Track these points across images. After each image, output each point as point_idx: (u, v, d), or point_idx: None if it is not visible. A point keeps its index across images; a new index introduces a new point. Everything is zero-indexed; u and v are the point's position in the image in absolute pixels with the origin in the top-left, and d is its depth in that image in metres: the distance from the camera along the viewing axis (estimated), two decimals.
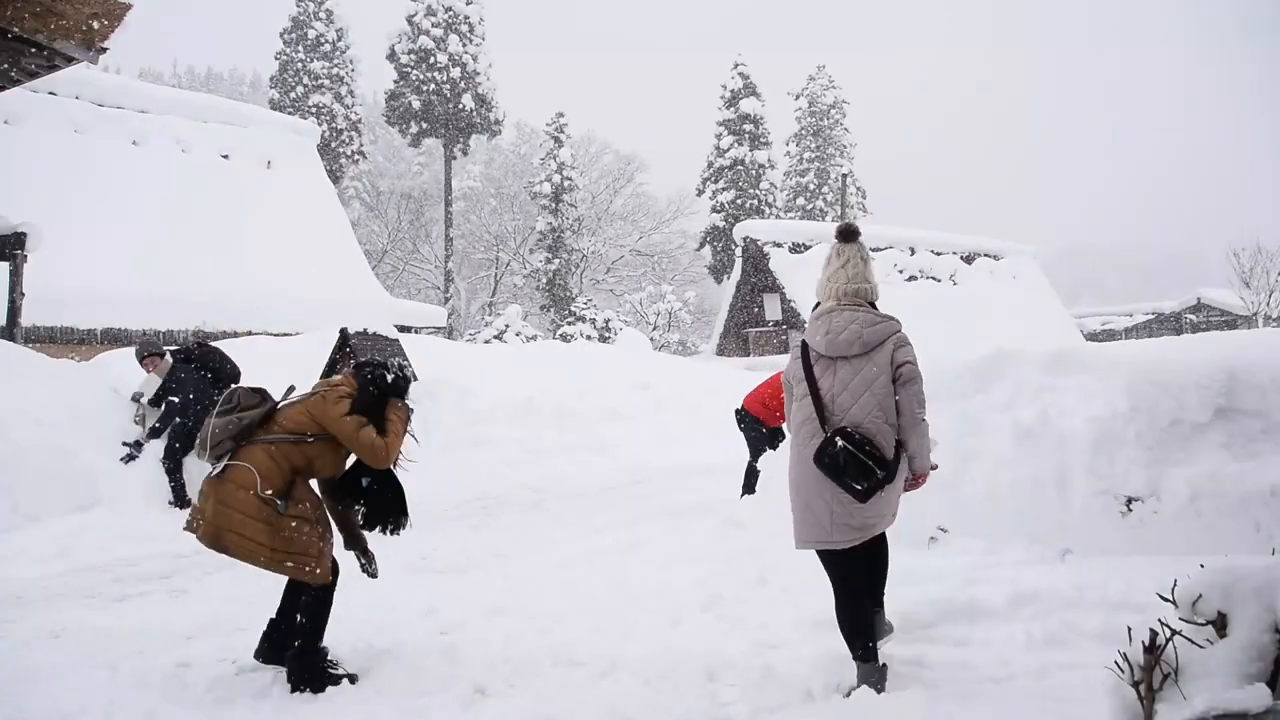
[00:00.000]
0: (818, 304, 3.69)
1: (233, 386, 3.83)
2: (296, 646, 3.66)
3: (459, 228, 38.80)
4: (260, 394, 3.77)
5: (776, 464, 6.82)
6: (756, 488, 7.45)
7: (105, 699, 3.50)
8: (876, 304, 3.61)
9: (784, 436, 7.67)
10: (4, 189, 14.71)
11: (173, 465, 7.38)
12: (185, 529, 3.67)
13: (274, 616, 3.80)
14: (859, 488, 3.31)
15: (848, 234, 3.67)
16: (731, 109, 36.98)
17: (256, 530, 3.49)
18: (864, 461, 3.30)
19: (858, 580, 3.51)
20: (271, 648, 3.75)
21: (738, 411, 7.81)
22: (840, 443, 3.31)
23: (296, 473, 3.66)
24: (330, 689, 3.60)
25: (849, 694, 3.36)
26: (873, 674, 3.39)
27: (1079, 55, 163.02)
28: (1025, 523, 5.26)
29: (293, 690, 3.60)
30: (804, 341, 3.61)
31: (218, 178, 21.13)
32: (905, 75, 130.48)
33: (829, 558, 3.51)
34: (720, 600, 4.69)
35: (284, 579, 3.71)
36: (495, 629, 4.32)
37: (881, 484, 3.33)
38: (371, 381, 3.83)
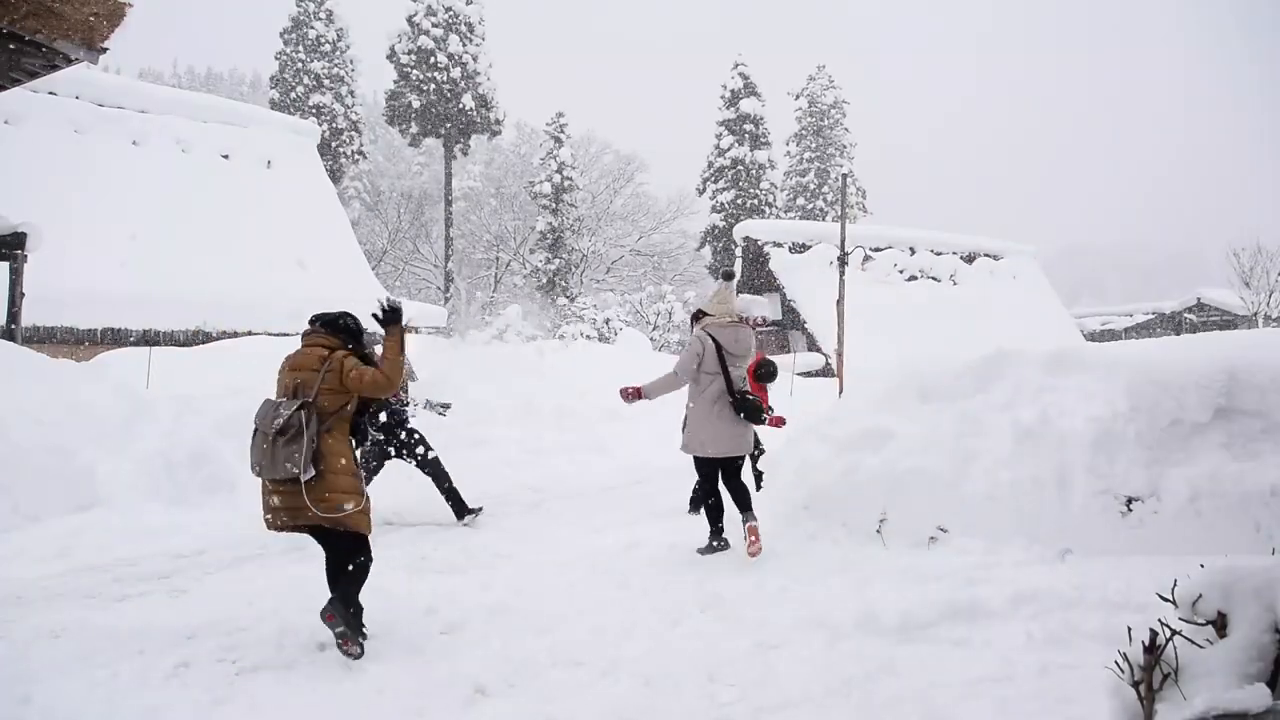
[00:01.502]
0: (700, 312, 6.24)
1: (272, 403, 4.02)
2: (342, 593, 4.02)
3: (459, 227, 38.80)
4: (303, 406, 3.93)
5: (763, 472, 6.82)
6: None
7: (105, 699, 3.51)
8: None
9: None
10: (4, 189, 14.72)
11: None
12: (271, 529, 4.07)
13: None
14: (761, 419, 5.89)
15: (729, 275, 6.53)
16: (731, 109, 36.98)
17: (356, 497, 4.02)
18: (756, 407, 5.78)
19: (714, 481, 5.89)
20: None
21: None
22: (748, 400, 5.77)
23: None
24: (329, 688, 3.61)
25: (701, 550, 5.75)
26: (719, 543, 5.76)
27: (1079, 55, 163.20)
28: (1025, 523, 5.25)
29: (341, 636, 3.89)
30: (717, 342, 5.74)
31: (218, 178, 21.14)
32: (906, 75, 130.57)
33: (704, 464, 5.87)
34: (720, 600, 4.69)
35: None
36: (495, 629, 4.32)
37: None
38: (350, 333, 4.22)
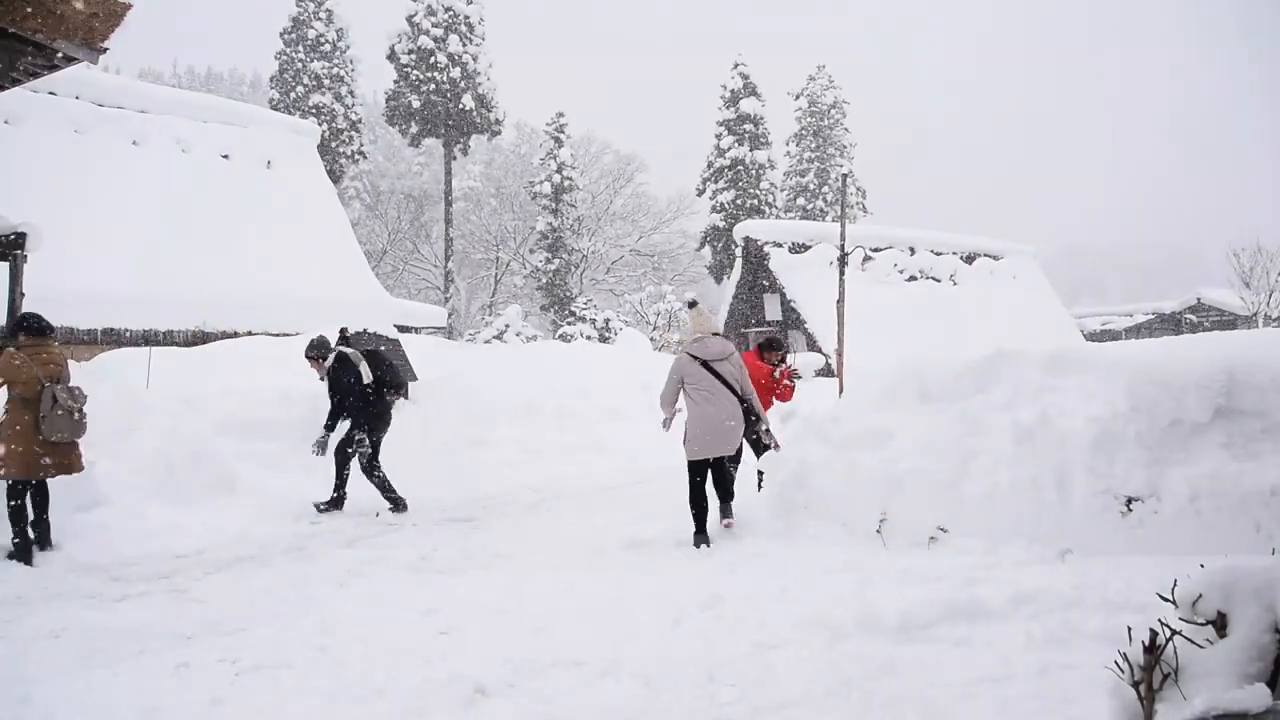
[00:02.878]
0: (684, 336, 6.71)
1: (69, 388, 5.79)
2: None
3: (459, 228, 38.76)
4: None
5: (777, 466, 6.82)
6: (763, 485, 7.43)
7: (105, 699, 3.50)
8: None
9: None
10: (4, 189, 14.70)
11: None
12: (48, 476, 5.76)
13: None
14: (754, 420, 6.71)
15: (693, 304, 6.80)
16: (731, 109, 36.95)
17: None
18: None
19: (704, 482, 6.33)
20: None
21: None
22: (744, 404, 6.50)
23: None
24: (329, 687, 3.61)
25: (697, 545, 6.06)
26: (702, 540, 6.10)
27: (1079, 55, 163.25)
28: (1025, 523, 5.25)
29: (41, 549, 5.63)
30: (692, 355, 6.38)
31: (218, 178, 21.10)
32: (906, 75, 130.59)
33: (698, 466, 6.33)
34: (720, 600, 4.69)
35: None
36: (495, 629, 4.32)
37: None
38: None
